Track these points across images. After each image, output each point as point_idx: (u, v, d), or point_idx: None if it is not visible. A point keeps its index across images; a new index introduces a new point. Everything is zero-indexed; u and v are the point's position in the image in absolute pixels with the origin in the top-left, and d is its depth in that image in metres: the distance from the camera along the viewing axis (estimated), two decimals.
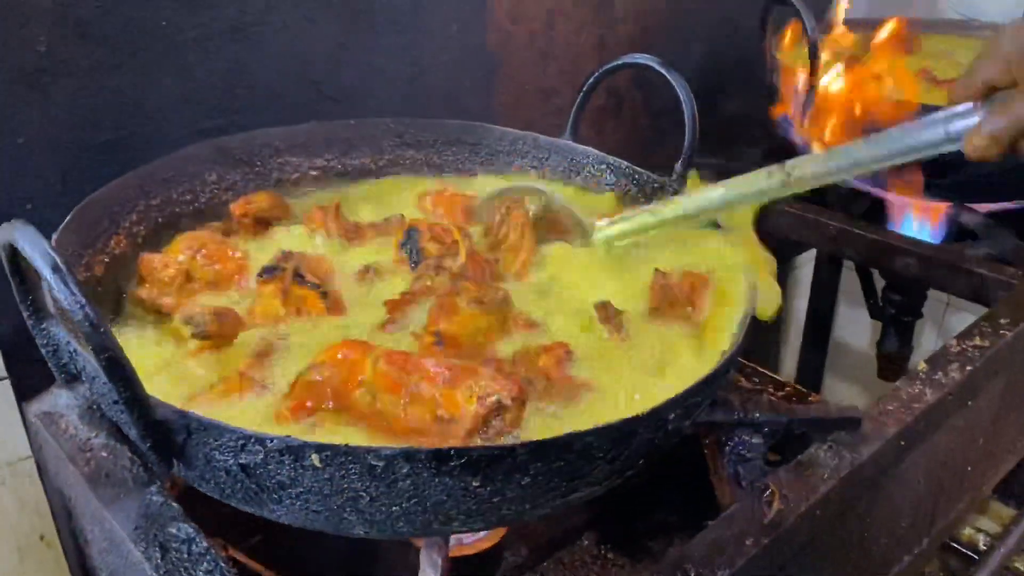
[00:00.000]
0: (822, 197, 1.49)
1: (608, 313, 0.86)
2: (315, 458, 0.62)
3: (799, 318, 2.25)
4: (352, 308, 0.89)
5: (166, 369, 0.81)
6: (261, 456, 0.63)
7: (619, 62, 1.08)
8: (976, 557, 1.51)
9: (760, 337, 2.20)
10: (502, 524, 0.72)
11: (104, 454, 0.85)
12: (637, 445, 0.70)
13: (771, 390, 1.07)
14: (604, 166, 1.14)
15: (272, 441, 0.62)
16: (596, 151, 1.14)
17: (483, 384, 0.69)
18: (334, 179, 1.16)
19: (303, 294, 0.89)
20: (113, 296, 0.93)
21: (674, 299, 0.87)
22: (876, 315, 1.80)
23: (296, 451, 0.62)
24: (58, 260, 0.59)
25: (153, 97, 1.07)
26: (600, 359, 0.82)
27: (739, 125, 1.67)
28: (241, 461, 0.64)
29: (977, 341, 1.11)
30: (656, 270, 0.90)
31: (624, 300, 0.92)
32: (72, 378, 0.81)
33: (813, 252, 2.12)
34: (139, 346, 0.84)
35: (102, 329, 0.59)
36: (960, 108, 0.80)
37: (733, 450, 0.94)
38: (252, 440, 0.63)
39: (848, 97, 1.32)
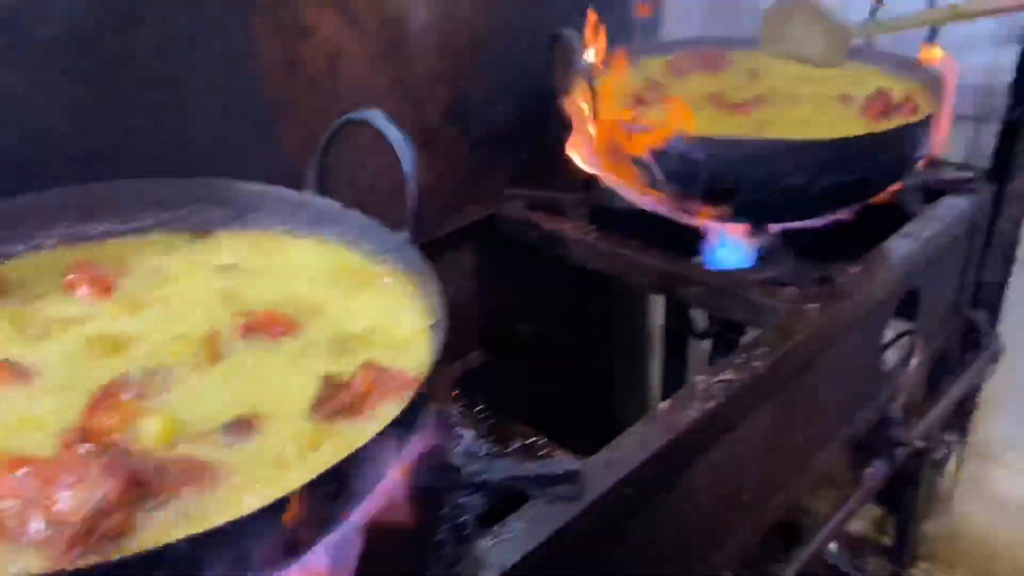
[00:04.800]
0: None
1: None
2: None
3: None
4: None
5: None
6: None
7: (341, 121, 1.05)
8: None
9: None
10: None
11: None
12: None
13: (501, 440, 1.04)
14: (345, 219, 1.10)
15: None
16: (336, 204, 1.10)
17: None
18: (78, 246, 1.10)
19: None
20: None
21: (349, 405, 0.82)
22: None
23: None
24: None
25: None
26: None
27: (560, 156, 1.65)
28: None
29: (729, 375, 1.09)
30: (325, 378, 0.79)
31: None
32: None
33: None
34: None
35: None
36: None
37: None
38: None
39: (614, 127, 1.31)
